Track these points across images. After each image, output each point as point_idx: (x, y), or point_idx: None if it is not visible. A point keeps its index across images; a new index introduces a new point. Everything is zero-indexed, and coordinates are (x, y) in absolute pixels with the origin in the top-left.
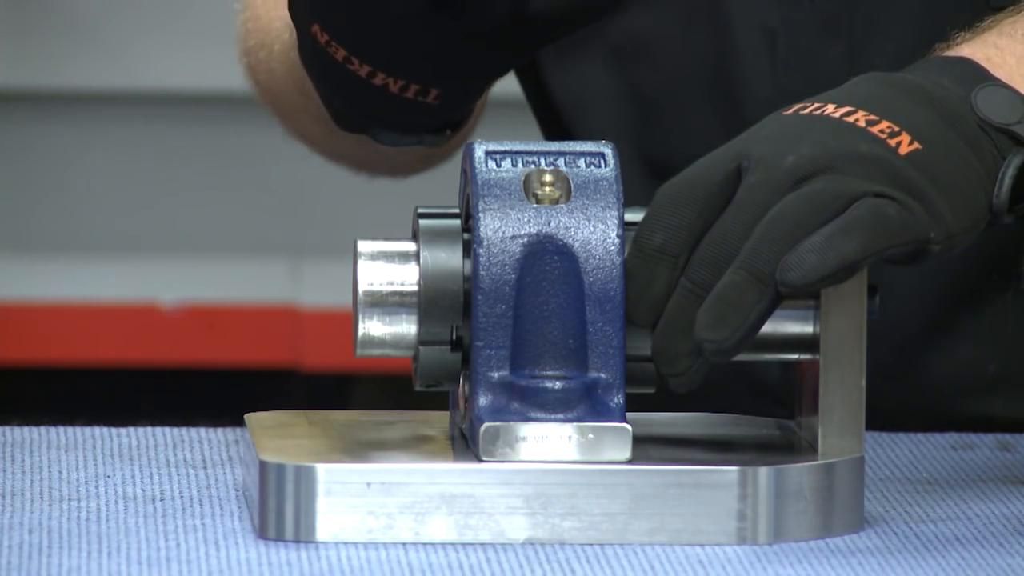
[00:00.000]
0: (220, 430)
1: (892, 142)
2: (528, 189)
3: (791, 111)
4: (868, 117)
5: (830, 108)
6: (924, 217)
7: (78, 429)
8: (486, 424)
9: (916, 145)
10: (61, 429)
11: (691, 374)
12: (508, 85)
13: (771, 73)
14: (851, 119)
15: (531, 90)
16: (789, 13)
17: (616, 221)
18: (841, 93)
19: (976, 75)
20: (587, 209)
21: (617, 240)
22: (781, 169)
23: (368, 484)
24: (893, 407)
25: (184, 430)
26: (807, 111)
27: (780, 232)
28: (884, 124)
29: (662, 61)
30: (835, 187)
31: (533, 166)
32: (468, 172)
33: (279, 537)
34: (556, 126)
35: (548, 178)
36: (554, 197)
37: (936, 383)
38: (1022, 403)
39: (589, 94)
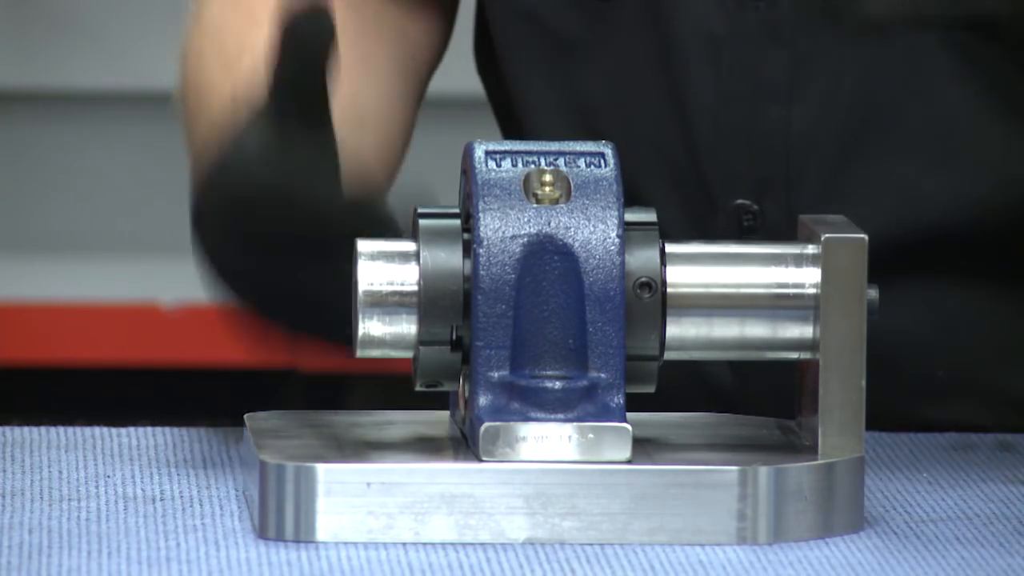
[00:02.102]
0: (220, 430)
1: None
2: (528, 189)
3: None
4: None
5: None
6: None
7: (78, 429)
8: (486, 424)
9: None
10: (61, 429)
11: None
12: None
13: (715, 80)
14: None
15: (494, 98)
16: (735, 20)
17: (616, 221)
18: None
19: None
20: (587, 209)
21: (617, 240)
22: None
23: (368, 484)
24: None
25: (184, 430)
26: None
27: None
28: None
29: (606, 68)
30: None
31: (533, 166)
32: (468, 172)
33: (279, 537)
34: (513, 131)
35: (548, 178)
36: (554, 197)
37: (887, 390)
38: (972, 408)
39: (532, 101)
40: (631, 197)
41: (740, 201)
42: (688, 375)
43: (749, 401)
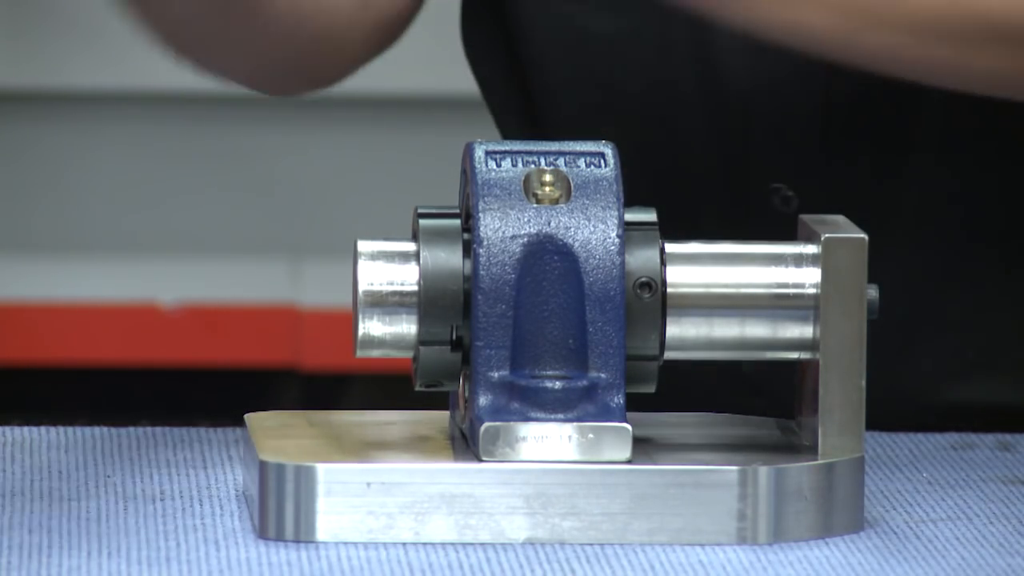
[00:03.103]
0: (220, 430)
1: None
2: (528, 189)
3: None
4: None
5: None
6: None
7: (78, 429)
8: (486, 424)
9: None
10: (61, 429)
11: None
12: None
13: (751, 62)
14: None
15: (493, 82)
16: None
17: (616, 221)
18: None
19: None
20: (587, 209)
21: (617, 240)
22: None
23: (368, 484)
24: (872, 395)
25: (184, 430)
26: None
27: None
28: None
29: (636, 53)
30: None
31: (533, 166)
32: (468, 172)
33: (279, 537)
34: (524, 118)
35: (548, 178)
36: (554, 197)
37: (917, 370)
38: (1004, 389)
39: (554, 87)
40: (665, 183)
41: (776, 185)
42: (707, 363)
43: (757, 383)
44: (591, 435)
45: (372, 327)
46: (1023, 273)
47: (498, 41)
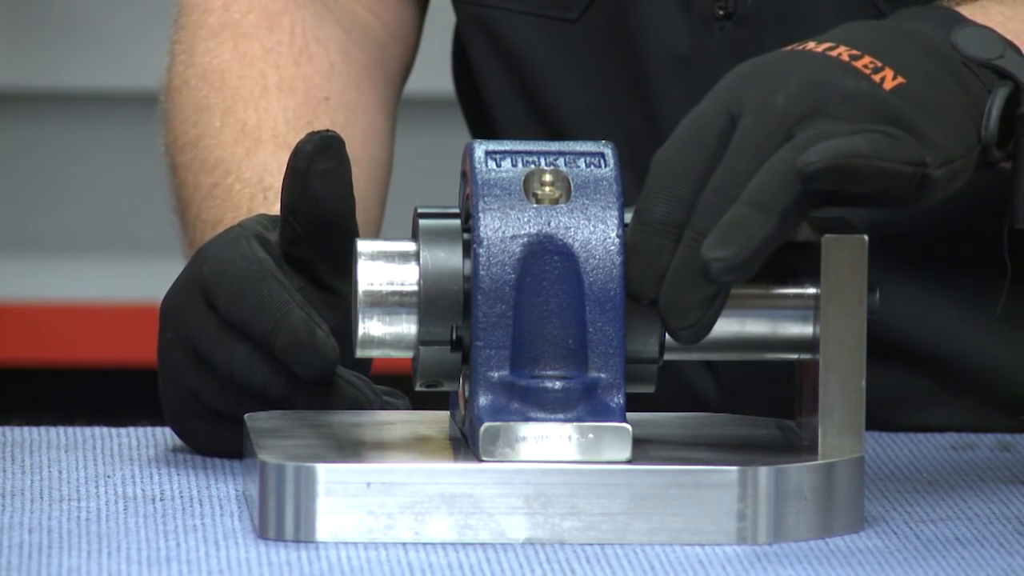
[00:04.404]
0: None
1: (876, 77)
2: (528, 189)
3: (772, 53)
4: (851, 52)
5: (811, 45)
6: (914, 144)
7: (78, 429)
8: (486, 424)
9: (900, 79)
10: (61, 429)
11: (702, 324)
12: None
13: (685, 99)
14: (834, 54)
15: (471, 118)
16: (701, 40)
17: (616, 221)
18: (822, 35)
19: (954, 18)
20: (587, 209)
21: (617, 240)
22: (773, 112)
23: (368, 484)
24: None
25: None
26: (788, 49)
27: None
28: (866, 59)
29: (577, 89)
30: (827, 134)
31: (533, 166)
32: (468, 172)
33: (279, 537)
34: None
35: (548, 178)
36: (554, 197)
37: (873, 398)
38: (960, 414)
39: (506, 122)
40: None
41: None
42: (675, 387)
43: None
44: (591, 435)
45: (372, 327)
46: (983, 305)
47: (475, 102)
